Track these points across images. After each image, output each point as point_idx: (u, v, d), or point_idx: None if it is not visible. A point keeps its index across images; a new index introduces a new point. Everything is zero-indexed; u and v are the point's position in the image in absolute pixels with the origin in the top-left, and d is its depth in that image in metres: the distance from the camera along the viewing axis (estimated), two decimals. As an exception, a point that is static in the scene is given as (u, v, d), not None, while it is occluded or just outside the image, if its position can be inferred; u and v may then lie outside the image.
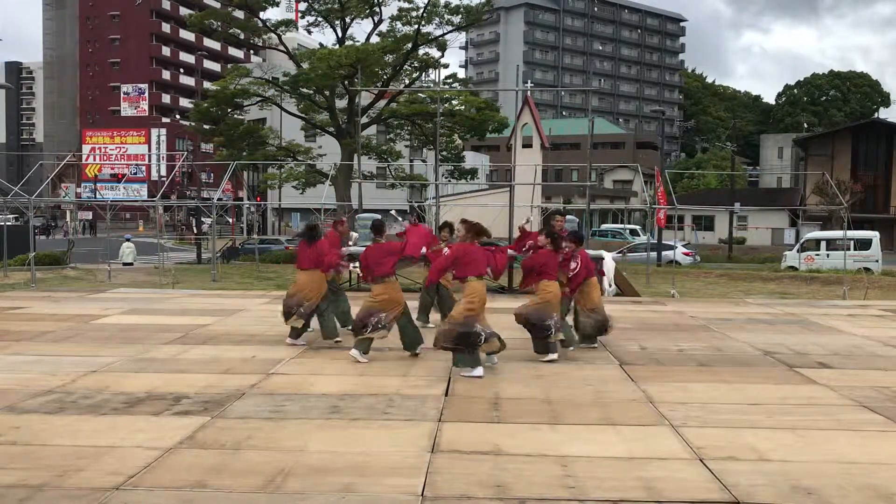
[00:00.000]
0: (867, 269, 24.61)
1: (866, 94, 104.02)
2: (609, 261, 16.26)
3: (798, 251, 27.88)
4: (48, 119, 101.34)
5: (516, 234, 11.85)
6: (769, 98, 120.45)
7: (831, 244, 27.13)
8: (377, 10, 31.47)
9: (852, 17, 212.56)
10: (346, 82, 29.00)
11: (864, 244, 26.27)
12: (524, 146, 30.54)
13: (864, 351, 9.71)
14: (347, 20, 32.06)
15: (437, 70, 29.79)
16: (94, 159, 74.03)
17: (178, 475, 4.87)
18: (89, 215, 59.22)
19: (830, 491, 4.72)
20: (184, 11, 72.06)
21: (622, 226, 42.58)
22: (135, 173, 72.78)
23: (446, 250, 10.36)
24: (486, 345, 7.92)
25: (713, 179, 67.15)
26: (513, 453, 5.37)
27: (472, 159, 47.43)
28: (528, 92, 31.07)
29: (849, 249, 24.63)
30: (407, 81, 32.95)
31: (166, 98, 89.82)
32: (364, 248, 9.17)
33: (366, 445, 5.51)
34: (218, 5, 40.71)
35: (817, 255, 27.08)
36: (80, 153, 71.45)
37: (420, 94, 32.55)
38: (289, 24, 33.13)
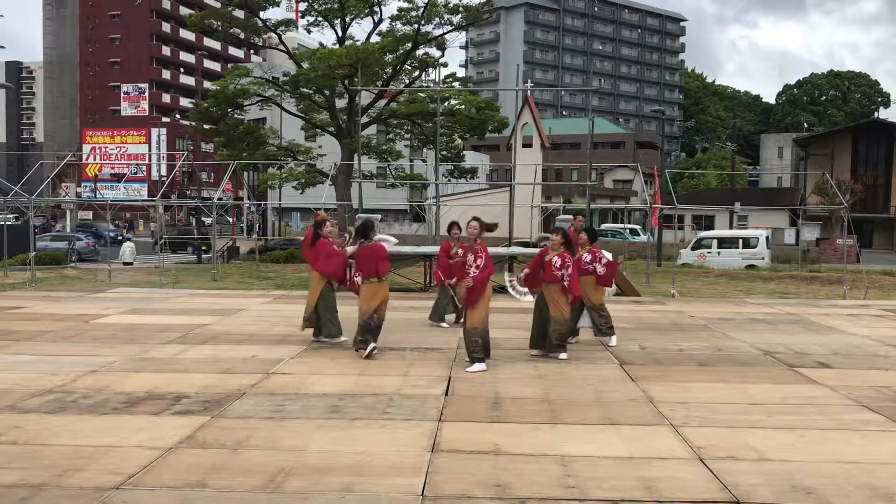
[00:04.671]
0: (753, 266, 26.19)
1: (866, 94, 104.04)
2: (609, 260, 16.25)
3: (692, 248, 28.76)
4: (48, 119, 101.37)
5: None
6: (768, 97, 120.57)
7: (723, 243, 28.36)
8: (377, 9, 31.48)
9: (839, 13, 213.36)
10: (346, 82, 28.99)
11: (752, 243, 28.01)
12: (524, 146, 30.52)
13: (864, 351, 9.71)
14: (347, 20, 32.06)
15: (437, 70, 29.80)
16: (95, 159, 74.06)
17: (178, 475, 4.87)
18: (89, 215, 59.24)
19: (830, 491, 4.72)
20: (184, 11, 72.03)
21: (622, 225, 42.57)
22: (135, 173, 72.81)
23: (460, 251, 10.45)
24: None
25: (713, 179, 67.14)
26: (513, 453, 5.37)
27: (472, 159, 47.41)
28: (528, 92, 31.03)
29: (737, 247, 26.35)
30: (407, 81, 32.95)
31: (166, 98, 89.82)
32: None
33: (366, 445, 5.51)
34: (218, 5, 40.74)
35: (709, 252, 27.91)
36: (81, 153, 71.45)
37: (420, 94, 32.54)
38: (289, 23, 33.14)
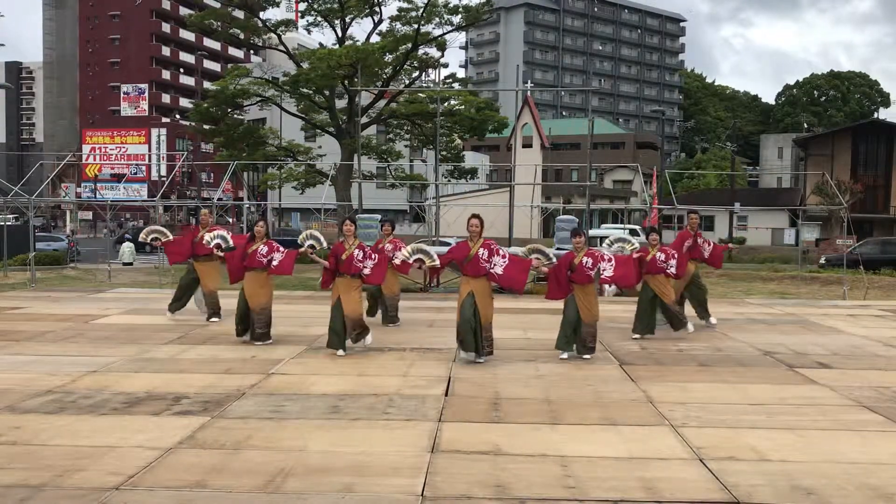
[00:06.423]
0: None
1: (866, 95, 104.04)
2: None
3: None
4: (48, 119, 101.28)
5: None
6: (764, 96, 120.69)
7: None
8: (377, 9, 31.48)
9: (833, 12, 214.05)
10: (346, 82, 29.00)
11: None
12: (524, 146, 30.55)
13: (864, 351, 9.71)
14: (347, 20, 32.08)
15: (437, 70, 29.81)
16: (94, 159, 74.01)
17: (178, 475, 4.87)
18: (89, 215, 59.25)
19: (830, 491, 4.72)
20: (184, 11, 72.04)
21: (622, 226, 42.57)
22: (135, 173, 72.75)
23: (389, 246, 10.64)
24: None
25: (713, 179, 67.12)
26: (513, 453, 5.37)
27: (472, 159, 47.41)
28: (528, 92, 31.06)
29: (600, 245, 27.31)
30: (407, 81, 32.95)
31: (166, 98, 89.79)
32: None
33: (366, 445, 5.51)
34: (218, 5, 40.73)
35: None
36: (80, 153, 71.41)
37: (420, 94, 32.54)
38: (289, 24, 33.13)
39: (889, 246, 27.02)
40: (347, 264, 8.77)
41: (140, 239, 12.77)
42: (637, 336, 10.40)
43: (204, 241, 11.02)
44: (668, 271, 10.27)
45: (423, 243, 9.27)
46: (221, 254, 10.61)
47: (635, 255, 10.13)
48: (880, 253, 21.57)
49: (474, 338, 8.41)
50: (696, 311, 11.65)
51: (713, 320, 11.67)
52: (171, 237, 12.04)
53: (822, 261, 27.36)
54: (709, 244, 11.62)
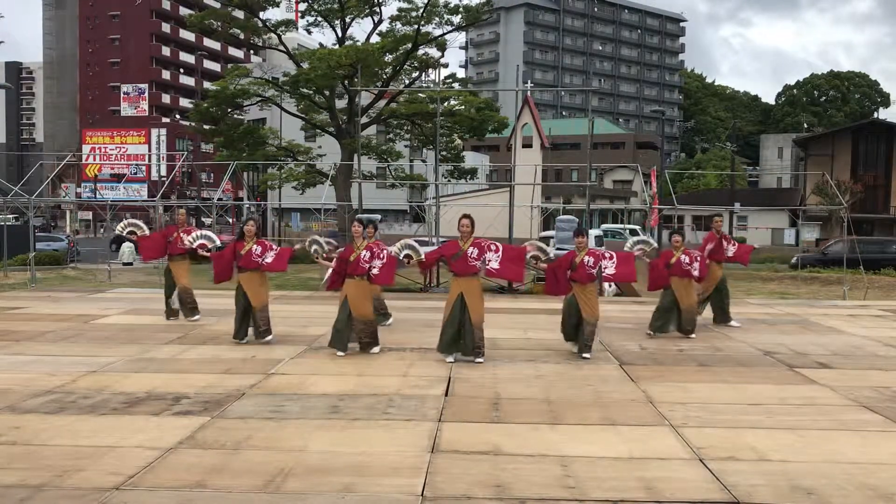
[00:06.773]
0: None
1: (866, 95, 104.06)
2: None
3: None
4: (48, 119, 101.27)
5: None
6: (763, 96, 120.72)
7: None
8: (377, 9, 31.48)
9: (832, 12, 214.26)
10: (346, 82, 29.00)
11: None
12: (524, 146, 30.52)
13: (864, 351, 9.71)
14: (347, 20, 32.08)
15: (437, 70, 29.79)
16: (94, 159, 73.92)
17: (178, 475, 4.87)
18: (89, 215, 59.26)
19: (830, 491, 4.72)
20: (184, 11, 72.05)
21: (622, 226, 42.55)
22: (135, 173, 72.70)
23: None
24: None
25: (713, 179, 67.12)
26: (513, 453, 5.37)
27: (472, 159, 47.40)
28: (528, 92, 31.03)
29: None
30: (407, 81, 32.95)
31: (166, 98, 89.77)
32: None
33: (366, 445, 5.51)
34: (218, 5, 40.74)
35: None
36: (80, 153, 71.38)
37: (420, 94, 32.53)
38: (289, 24, 33.12)
39: (864, 245, 26.79)
40: (355, 265, 8.80)
41: (117, 231, 12.85)
42: (650, 333, 10.52)
43: (186, 242, 11.03)
44: (691, 273, 10.38)
45: (411, 240, 9.37)
46: (207, 254, 10.60)
47: (637, 253, 10.15)
48: (852, 252, 21.45)
49: (461, 340, 8.48)
50: (716, 314, 11.75)
51: (734, 323, 11.69)
52: (147, 232, 12.18)
53: (794, 260, 27.00)
54: (733, 244, 11.81)
